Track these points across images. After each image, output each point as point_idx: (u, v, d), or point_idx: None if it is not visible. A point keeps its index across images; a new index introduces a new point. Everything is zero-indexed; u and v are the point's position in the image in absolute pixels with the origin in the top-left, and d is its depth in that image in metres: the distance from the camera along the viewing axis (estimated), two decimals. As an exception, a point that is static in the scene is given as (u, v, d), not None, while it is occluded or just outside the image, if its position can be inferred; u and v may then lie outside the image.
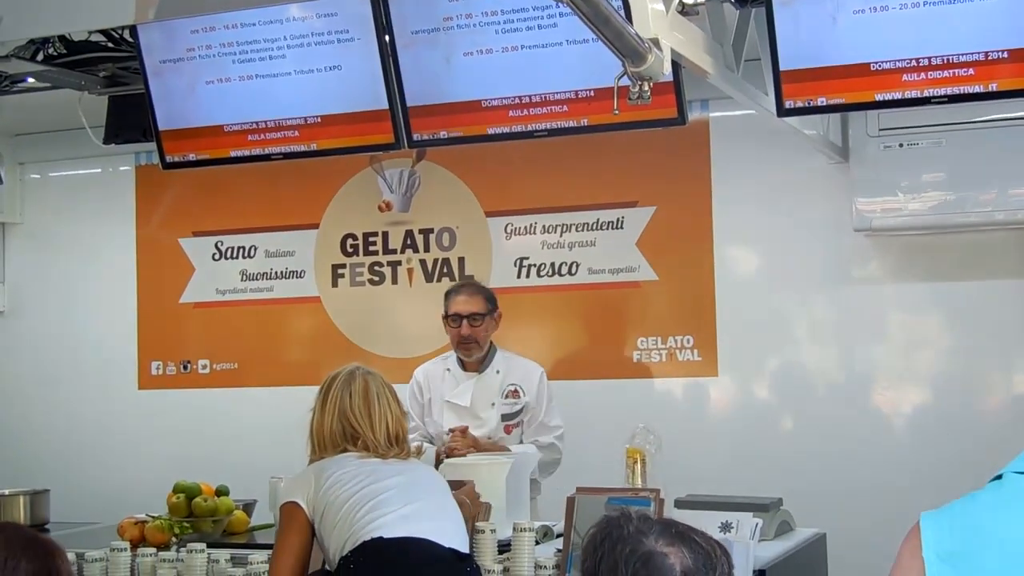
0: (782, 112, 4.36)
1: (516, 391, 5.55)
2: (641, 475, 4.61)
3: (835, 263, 6.36)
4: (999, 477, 2.08)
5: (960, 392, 6.14)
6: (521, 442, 5.51)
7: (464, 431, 5.35)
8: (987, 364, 6.16)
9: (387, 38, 4.78)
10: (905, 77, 4.15)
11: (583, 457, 5.79)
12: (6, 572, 2.63)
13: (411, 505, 3.81)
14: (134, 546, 4.63)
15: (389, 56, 4.79)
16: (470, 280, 6.04)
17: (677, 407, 6.60)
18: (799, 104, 4.31)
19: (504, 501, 4.51)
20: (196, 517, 4.90)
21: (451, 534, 3.86)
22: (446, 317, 5.54)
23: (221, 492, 5.08)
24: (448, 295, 5.60)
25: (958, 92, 4.11)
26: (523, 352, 6.64)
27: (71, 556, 3.00)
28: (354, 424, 3.93)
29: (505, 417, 5.54)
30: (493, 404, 5.54)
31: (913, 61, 4.13)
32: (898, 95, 4.18)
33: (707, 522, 3.90)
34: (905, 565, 2.07)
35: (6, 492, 5.75)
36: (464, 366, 5.61)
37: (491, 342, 5.63)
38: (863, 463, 6.16)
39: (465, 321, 5.47)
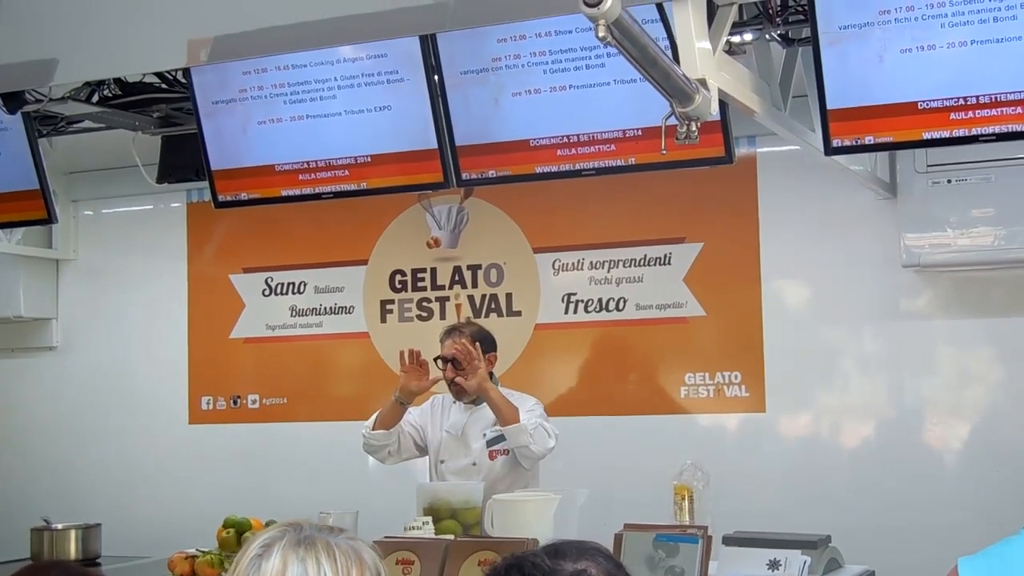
0: (830, 151, 4.36)
1: None
2: (689, 511, 4.62)
3: (884, 298, 6.34)
4: None
5: (1011, 427, 6.09)
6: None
7: (417, 354, 5.59)
8: (1038, 400, 6.12)
9: (436, 78, 4.82)
10: (953, 116, 4.13)
11: (631, 494, 5.80)
12: None
13: None
14: (185, 581, 4.69)
15: (438, 96, 4.83)
16: (465, 323, 6.13)
17: (725, 443, 6.59)
18: (847, 143, 4.30)
19: (551, 536, 4.52)
20: (246, 552, 4.94)
21: None
22: (436, 359, 5.69)
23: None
24: (440, 337, 5.75)
25: (1006, 131, 4.09)
26: (570, 387, 6.69)
27: (124, 591, 3.04)
28: None
29: (489, 442, 5.61)
30: (484, 435, 5.63)
31: (960, 100, 4.12)
32: (946, 133, 4.17)
33: (755, 560, 3.91)
34: None
35: (59, 526, 5.82)
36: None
37: (493, 376, 5.73)
38: (913, 499, 6.12)
39: (449, 364, 5.61)
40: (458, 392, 5.66)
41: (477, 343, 5.53)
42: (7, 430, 7.67)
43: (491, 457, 5.60)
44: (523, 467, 5.56)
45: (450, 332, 5.73)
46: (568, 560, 2.25)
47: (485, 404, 5.62)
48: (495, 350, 5.76)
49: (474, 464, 5.59)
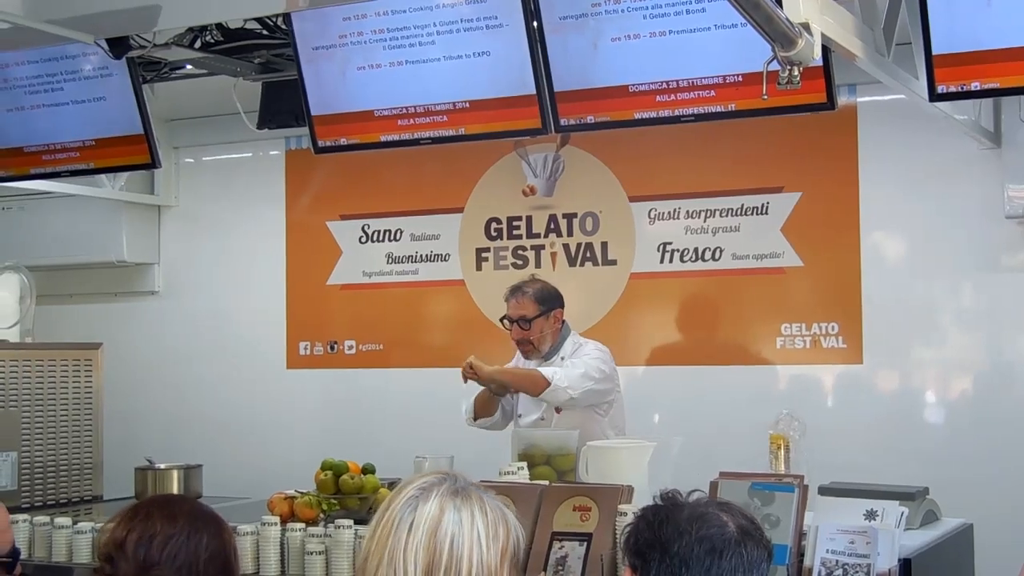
0: (934, 97, 4.28)
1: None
2: (784, 461, 4.58)
3: (985, 250, 6.25)
4: None
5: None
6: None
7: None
8: None
9: (535, 24, 4.81)
10: (1063, 61, 4.06)
11: (726, 443, 5.79)
12: (191, 544, 2.77)
13: None
14: (283, 521, 4.75)
15: (537, 42, 4.82)
16: (528, 281, 5.94)
17: (821, 394, 6.54)
18: (952, 89, 4.23)
19: (646, 483, 4.53)
20: (343, 494, 4.99)
21: None
22: (502, 319, 5.70)
23: (367, 470, 5.16)
24: (505, 296, 5.73)
25: (1119, 77, 4.01)
26: (665, 336, 6.65)
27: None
28: None
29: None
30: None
31: (1072, 45, 4.03)
32: (1055, 79, 4.09)
33: (852, 510, 3.88)
34: None
35: (162, 466, 5.92)
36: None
37: (566, 325, 5.73)
38: (1010, 453, 6.04)
39: (515, 325, 5.61)
40: (526, 351, 5.69)
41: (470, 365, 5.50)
42: (111, 373, 7.81)
43: (557, 411, 5.61)
44: (597, 414, 5.57)
45: (514, 291, 5.72)
46: (707, 507, 2.57)
47: (555, 360, 5.63)
48: (561, 306, 5.73)
49: (542, 419, 5.62)
